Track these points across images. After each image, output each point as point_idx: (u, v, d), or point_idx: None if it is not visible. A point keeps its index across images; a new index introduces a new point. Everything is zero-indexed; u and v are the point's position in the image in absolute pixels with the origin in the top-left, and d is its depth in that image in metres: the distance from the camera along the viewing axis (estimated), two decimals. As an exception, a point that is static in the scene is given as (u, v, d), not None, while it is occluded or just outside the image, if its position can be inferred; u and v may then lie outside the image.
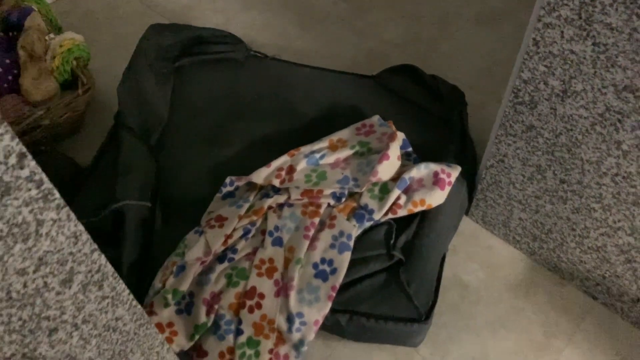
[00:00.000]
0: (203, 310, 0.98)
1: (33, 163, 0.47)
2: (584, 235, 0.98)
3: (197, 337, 0.97)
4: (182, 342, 0.97)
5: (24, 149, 0.46)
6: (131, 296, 0.71)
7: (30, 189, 0.48)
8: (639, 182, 0.83)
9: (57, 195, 0.51)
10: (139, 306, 0.74)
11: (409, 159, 1.15)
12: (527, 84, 0.85)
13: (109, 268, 0.64)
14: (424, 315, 0.98)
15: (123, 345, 0.76)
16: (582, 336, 1.03)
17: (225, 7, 1.65)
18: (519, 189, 1.02)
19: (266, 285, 1.00)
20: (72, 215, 0.54)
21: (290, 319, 0.98)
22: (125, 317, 0.72)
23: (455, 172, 1.10)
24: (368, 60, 1.47)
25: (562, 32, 0.75)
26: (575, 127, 0.84)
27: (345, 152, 1.15)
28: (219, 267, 1.02)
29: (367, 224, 1.06)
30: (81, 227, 0.56)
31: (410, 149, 1.16)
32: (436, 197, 1.07)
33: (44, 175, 0.49)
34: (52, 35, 1.25)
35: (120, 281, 0.67)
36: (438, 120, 1.24)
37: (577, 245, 1.01)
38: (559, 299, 1.07)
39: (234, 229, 1.06)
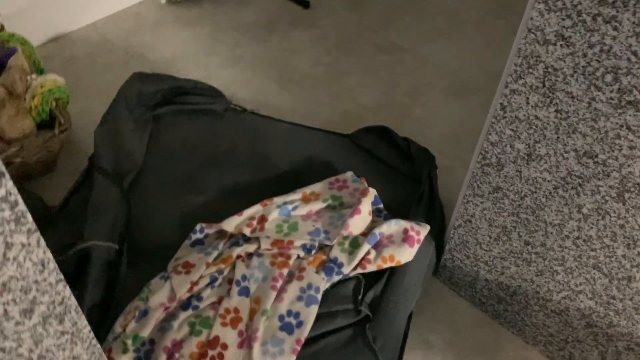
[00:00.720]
0: (163, 358, 0.95)
1: (10, 183, 0.47)
2: (547, 298, 1.00)
3: (154, 387, 0.93)
4: (138, 392, 0.93)
5: (3, 168, 0.46)
6: (91, 334, 0.69)
7: (3, 210, 0.47)
8: (599, 245, 0.86)
9: (30, 219, 0.50)
10: (99, 346, 0.71)
11: (379, 215, 1.17)
12: (494, 147, 0.89)
13: (73, 301, 0.63)
14: (389, 373, 0.97)
15: (78, 388, 0.72)
16: (546, 402, 1.03)
17: (207, 62, 1.70)
18: (486, 250, 1.05)
19: (230, 336, 0.98)
20: (42, 242, 0.53)
21: (253, 372, 0.95)
22: (83, 357, 0.70)
23: (424, 230, 1.12)
24: (343, 120, 1.52)
25: (528, 98, 0.80)
26: (539, 190, 0.88)
27: (318, 205, 1.17)
28: (183, 315, 1.00)
29: (336, 278, 1.06)
30: (49, 255, 0.55)
31: (381, 206, 1.18)
32: (405, 254, 1.08)
33: (19, 197, 0.48)
34: (34, 76, 1.27)
35: (82, 317, 0.65)
36: (408, 179, 1.27)
37: (540, 308, 1.03)
38: (523, 363, 1.08)
39: (201, 277, 1.04)
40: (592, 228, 0.85)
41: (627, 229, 0.81)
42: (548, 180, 0.86)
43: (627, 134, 0.73)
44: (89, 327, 0.67)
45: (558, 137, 0.80)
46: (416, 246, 1.09)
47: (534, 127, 0.82)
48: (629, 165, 0.75)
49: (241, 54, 1.74)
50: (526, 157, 0.86)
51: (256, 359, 0.96)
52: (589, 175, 0.80)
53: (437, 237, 1.15)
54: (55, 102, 1.26)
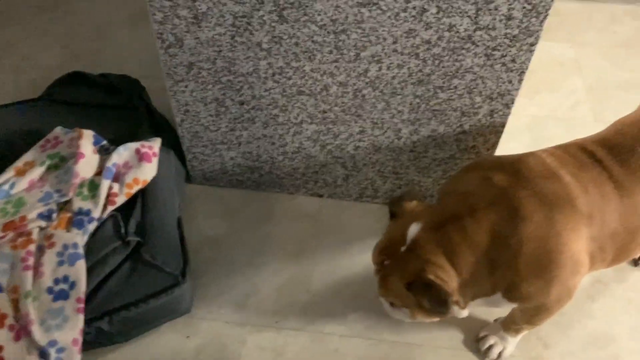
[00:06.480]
0: None
1: None
2: (283, 143, 1.08)
3: None
4: None
5: None
6: None
7: None
8: (291, 72, 0.95)
9: None
10: None
11: (108, 152, 1.12)
12: (164, 25, 0.90)
13: None
14: (180, 276, 0.97)
15: None
16: (325, 229, 1.14)
17: None
18: (214, 130, 1.08)
19: (1, 336, 0.87)
20: None
21: (44, 354, 0.87)
22: None
23: (156, 143, 1.10)
24: (34, 91, 1.38)
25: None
26: (222, 47, 0.92)
27: (37, 171, 1.06)
28: None
29: (91, 226, 1.00)
30: None
31: (104, 142, 1.12)
32: (147, 171, 1.06)
33: None
34: None
35: None
36: (124, 110, 1.23)
37: (284, 156, 1.11)
38: (295, 211, 1.17)
39: None
40: (277, 59, 0.93)
41: (301, 44, 0.90)
42: (223, 33, 0.90)
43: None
44: None
45: (207, -13, 0.83)
46: (154, 159, 1.08)
47: (183, -14, 0.84)
48: (272, -15, 0.83)
49: None
50: (195, 21, 0.89)
51: (40, 339, 0.87)
52: (249, 11, 0.86)
53: (174, 145, 1.15)
54: None
